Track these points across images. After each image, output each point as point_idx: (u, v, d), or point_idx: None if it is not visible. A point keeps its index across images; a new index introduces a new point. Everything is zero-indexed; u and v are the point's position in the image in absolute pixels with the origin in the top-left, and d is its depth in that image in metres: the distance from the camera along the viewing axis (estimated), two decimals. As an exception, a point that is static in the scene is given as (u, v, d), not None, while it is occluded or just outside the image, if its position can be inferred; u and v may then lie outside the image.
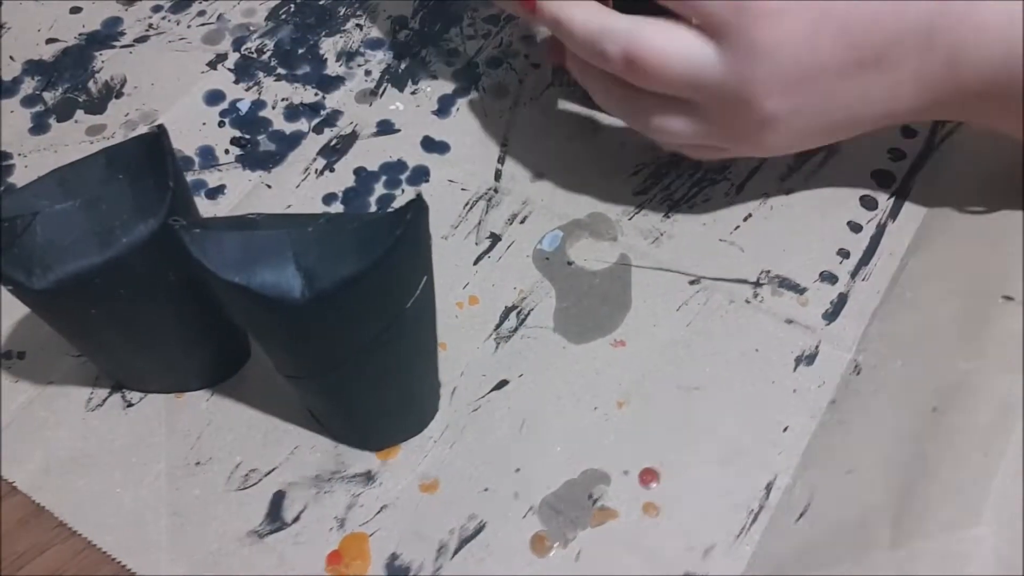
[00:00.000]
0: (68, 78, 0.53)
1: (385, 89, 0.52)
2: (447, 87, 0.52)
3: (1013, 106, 0.38)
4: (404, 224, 0.30)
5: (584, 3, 0.39)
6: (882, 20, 0.36)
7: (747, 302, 0.43)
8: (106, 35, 0.55)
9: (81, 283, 0.33)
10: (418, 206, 0.31)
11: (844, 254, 0.44)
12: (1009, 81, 0.37)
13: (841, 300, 0.43)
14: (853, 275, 0.44)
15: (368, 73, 0.53)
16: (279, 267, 0.31)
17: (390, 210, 0.32)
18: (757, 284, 0.44)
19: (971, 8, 0.36)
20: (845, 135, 0.42)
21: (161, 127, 0.34)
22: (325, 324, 0.32)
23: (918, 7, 0.36)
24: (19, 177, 0.49)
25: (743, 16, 0.35)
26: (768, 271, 0.44)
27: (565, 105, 0.51)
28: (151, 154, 0.34)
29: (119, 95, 0.53)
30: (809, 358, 0.41)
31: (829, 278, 0.44)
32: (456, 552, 0.37)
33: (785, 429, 0.40)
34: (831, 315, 0.43)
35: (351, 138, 0.50)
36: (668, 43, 0.37)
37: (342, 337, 0.33)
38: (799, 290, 0.43)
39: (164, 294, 0.35)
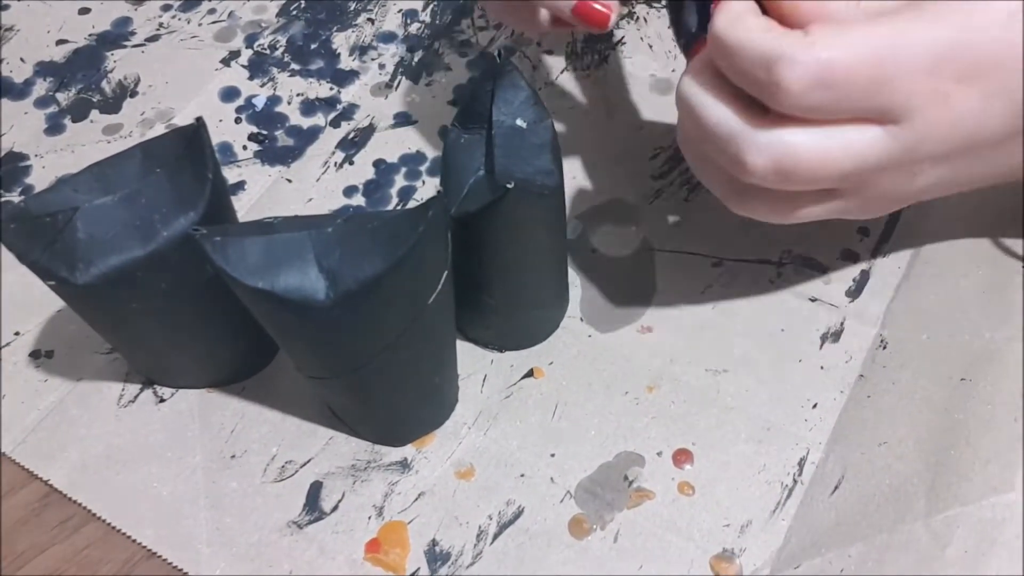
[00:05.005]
0: (81, 79, 0.53)
1: (400, 82, 0.53)
2: (461, 77, 0.53)
3: None
4: (426, 221, 0.31)
5: (723, 85, 0.34)
6: None
7: (771, 282, 0.44)
8: (117, 35, 0.55)
9: (123, 277, 0.33)
10: (439, 202, 0.31)
11: (864, 232, 0.45)
12: None
13: (864, 277, 0.43)
14: (874, 252, 0.44)
15: (382, 67, 0.53)
16: (302, 270, 0.31)
17: (410, 207, 0.32)
18: (780, 264, 0.44)
19: None
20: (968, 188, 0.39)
21: (200, 119, 0.34)
22: (350, 324, 0.32)
23: None
24: (36, 178, 0.49)
25: (916, 98, 0.33)
26: (790, 250, 0.44)
27: (579, 91, 0.52)
28: (189, 147, 0.34)
29: (133, 94, 0.52)
30: (835, 335, 0.42)
31: (851, 256, 0.44)
32: (496, 537, 0.38)
33: (815, 405, 0.40)
34: (854, 292, 0.43)
35: (368, 131, 0.50)
36: (824, 141, 0.33)
37: (367, 336, 0.33)
38: (821, 268, 0.44)
39: (202, 286, 0.35)
